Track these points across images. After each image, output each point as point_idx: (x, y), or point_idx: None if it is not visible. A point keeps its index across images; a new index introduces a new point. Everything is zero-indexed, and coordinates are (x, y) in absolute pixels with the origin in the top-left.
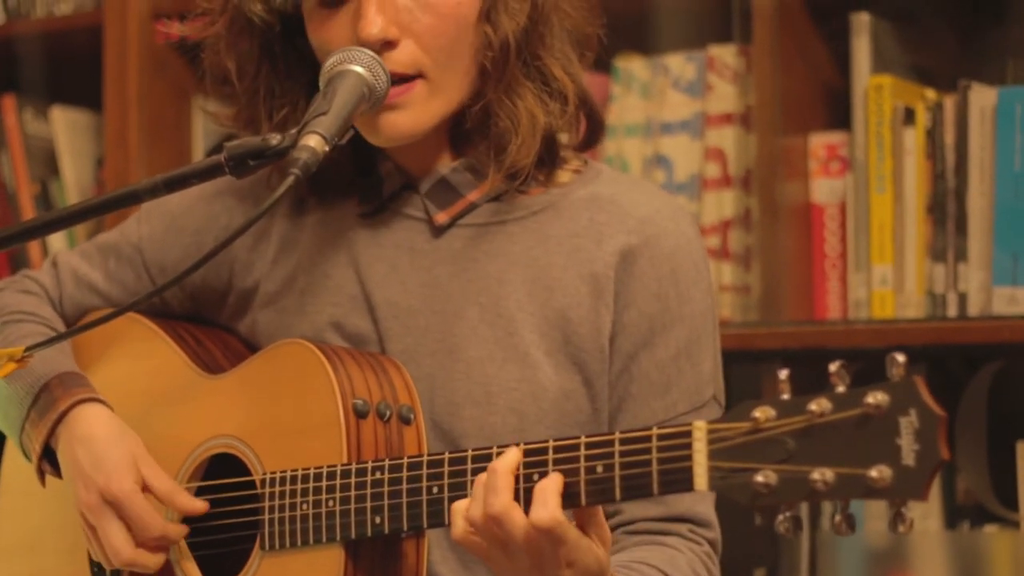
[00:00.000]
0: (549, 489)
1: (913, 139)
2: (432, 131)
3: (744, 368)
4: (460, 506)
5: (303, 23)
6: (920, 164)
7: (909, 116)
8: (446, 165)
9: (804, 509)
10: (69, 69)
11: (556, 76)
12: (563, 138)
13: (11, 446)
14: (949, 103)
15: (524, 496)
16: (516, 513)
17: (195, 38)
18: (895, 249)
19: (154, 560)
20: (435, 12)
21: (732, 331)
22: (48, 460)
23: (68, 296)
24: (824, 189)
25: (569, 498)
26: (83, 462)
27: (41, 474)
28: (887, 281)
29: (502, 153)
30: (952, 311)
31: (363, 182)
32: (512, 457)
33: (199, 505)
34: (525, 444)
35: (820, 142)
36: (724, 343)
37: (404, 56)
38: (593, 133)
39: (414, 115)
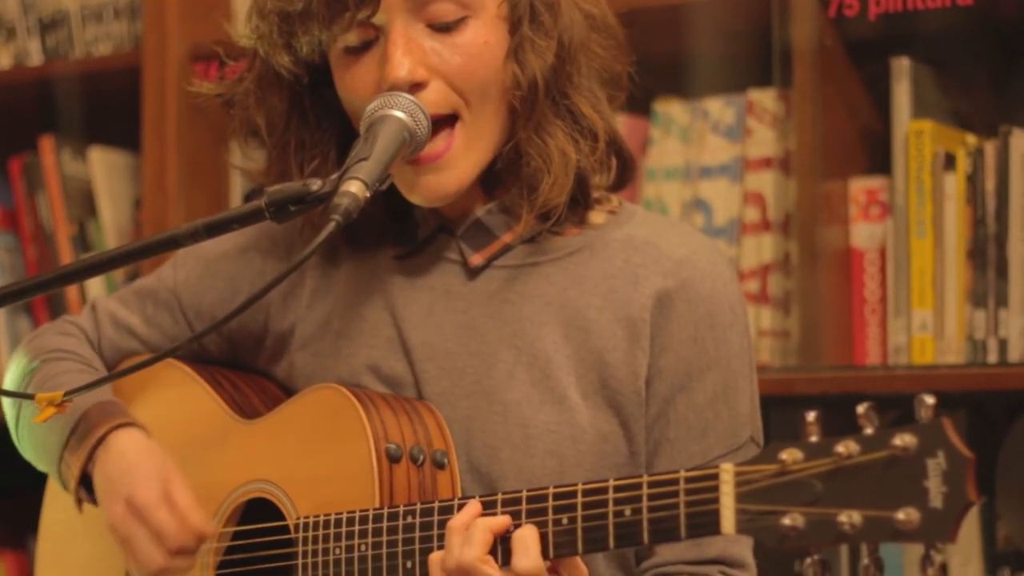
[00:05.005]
0: (530, 538)
1: (954, 184)
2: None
3: (783, 413)
4: (436, 557)
5: (330, 73)
6: (960, 209)
7: (949, 161)
8: (480, 207)
9: (844, 551)
10: (107, 110)
11: (585, 114)
12: (596, 180)
13: (50, 490)
14: (990, 148)
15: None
16: (488, 568)
17: (226, 96)
18: (935, 294)
19: (181, 565)
20: (463, 53)
21: (771, 376)
22: (85, 488)
23: (107, 339)
24: (864, 234)
25: (595, 542)
26: (113, 475)
27: (78, 502)
28: (927, 326)
29: (534, 192)
30: (993, 357)
31: (397, 226)
32: (502, 519)
33: (209, 529)
34: (555, 487)
35: (860, 187)
36: (763, 388)
37: (435, 96)
38: (624, 173)
39: (457, 173)
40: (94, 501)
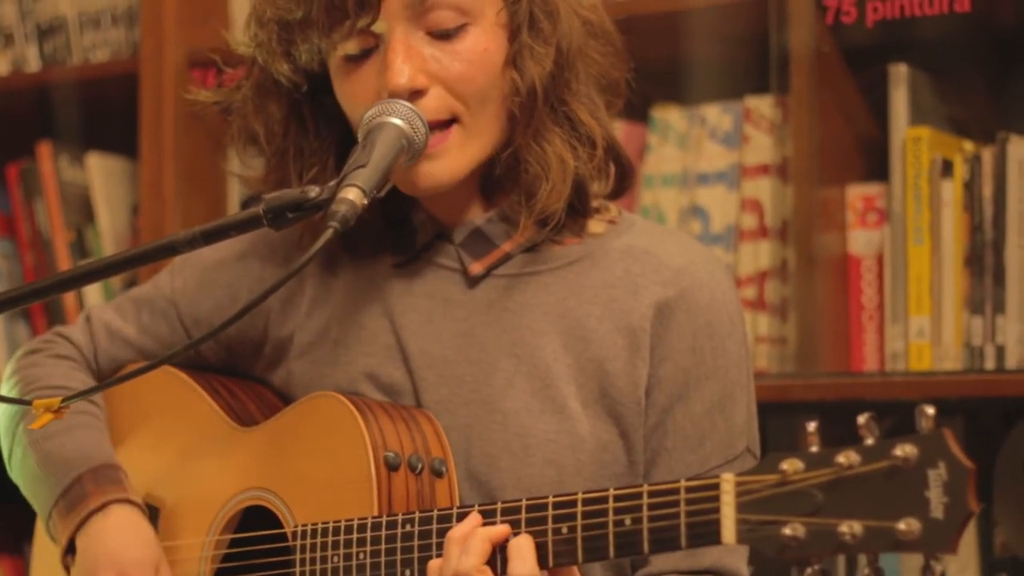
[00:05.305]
0: (525, 546)
1: (951, 191)
2: (464, 180)
3: (780, 420)
4: (434, 565)
5: (329, 81)
6: (958, 216)
7: (947, 168)
8: (479, 215)
9: (841, 560)
10: (105, 116)
11: (583, 121)
12: (595, 188)
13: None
14: (987, 155)
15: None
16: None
17: (224, 104)
18: (932, 301)
19: None
20: (463, 60)
21: (768, 382)
22: (73, 554)
23: (103, 351)
24: (861, 240)
25: (595, 551)
26: (98, 555)
27: (66, 568)
28: (924, 333)
29: (533, 199)
30: (990, 364)
31: (395, 234)
32: (500, 528)
33: None
34: (555, 496)
35: (857, 193)
36: (760, 394)
37: (434, 102)
38: (623, 180)
39: (450, 162)
40: None
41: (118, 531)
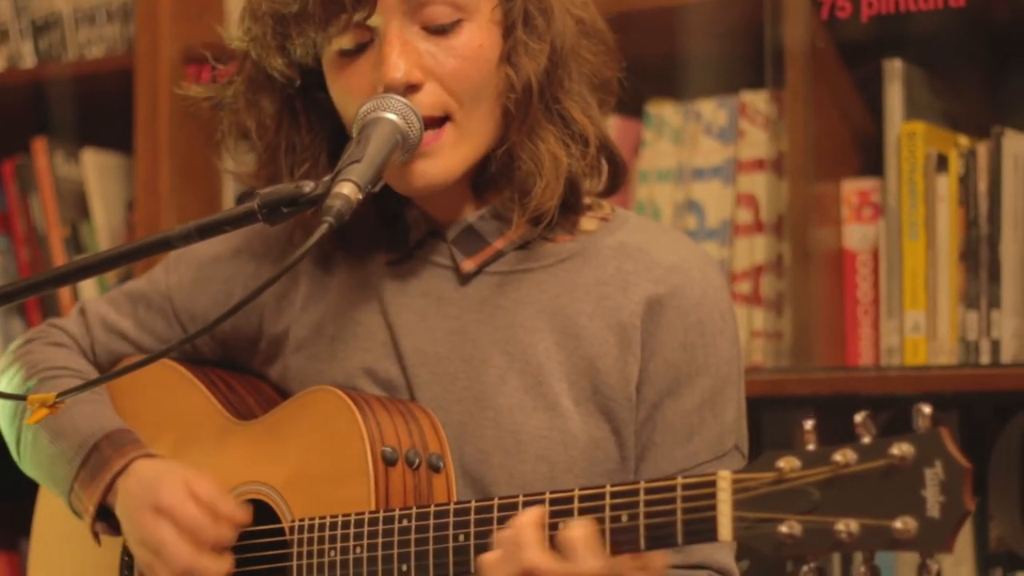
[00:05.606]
0: (591, 537)
1: (946, 186)
2: (457, 178)
3: (775, 414)
4: (490, 560)
5: (323, 76)
6: (953, 211)
7: (942, 163)
8: (472, 213)
9: (837, 559)
10: (100, 112)
11: (576, 119)
12: (587, 185)
13: (43, 493)
14: (982, 150)
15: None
16: (553, 564)
17: (215, 99)
18: (928, 296)
19: (216, 566)
20: (458, 55)
21: (764, 377)
22: (102, 519)
23: (99, 344)
24: (856, 235)
25: None
26: (136, 493)
27: (95, 535)
28: (919, 328)
29: (526, 196)
30: (985, 358)
31: (389, 231)
32: (537, 511)
33: (241, 516)
34: (551, 492)
35: (852, 188)
36: (756, 389)
37: (429, 98)
38: (616, 178)
39: (444, 161)
40: (112, 532)
41: (138, 480)
